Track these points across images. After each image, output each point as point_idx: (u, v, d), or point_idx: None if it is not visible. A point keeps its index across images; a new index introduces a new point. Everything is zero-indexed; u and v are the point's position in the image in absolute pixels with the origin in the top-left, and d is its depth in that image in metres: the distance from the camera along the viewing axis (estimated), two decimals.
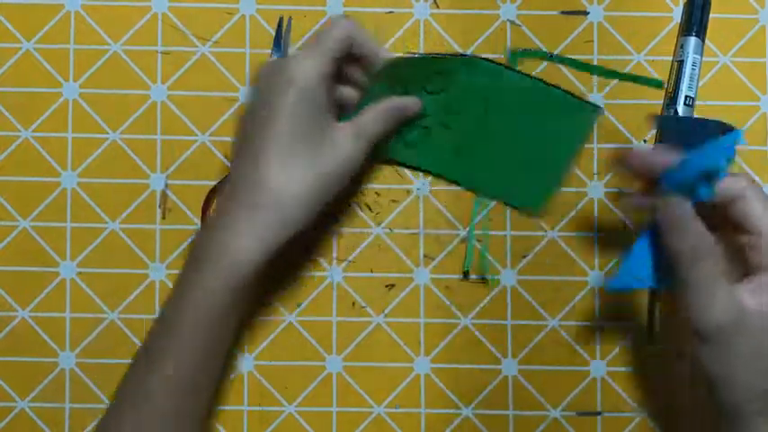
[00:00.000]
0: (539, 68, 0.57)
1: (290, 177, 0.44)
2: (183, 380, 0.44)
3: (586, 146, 0.57)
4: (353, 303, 0.56)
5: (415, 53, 0.56)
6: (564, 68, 0.57)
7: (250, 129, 0.46)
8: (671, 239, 0.44)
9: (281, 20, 0.57)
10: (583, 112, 0.55)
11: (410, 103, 0.53)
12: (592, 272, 0.56)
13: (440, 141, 0.55)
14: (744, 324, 0.43)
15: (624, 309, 0.56)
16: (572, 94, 0.55)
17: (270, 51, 0.57)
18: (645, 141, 0.57)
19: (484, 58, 0.54)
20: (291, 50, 0.57)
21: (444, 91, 0.54)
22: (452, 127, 0.55)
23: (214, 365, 0.46)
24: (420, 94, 0.54)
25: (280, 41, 0.56)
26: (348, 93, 0.53)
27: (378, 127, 0.51)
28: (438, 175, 0.56)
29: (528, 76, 0.55)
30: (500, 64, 0.54)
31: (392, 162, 0.56)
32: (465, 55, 0.56)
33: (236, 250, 0.44)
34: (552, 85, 0.54)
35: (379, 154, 0.55)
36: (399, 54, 0.55)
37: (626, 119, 0.57)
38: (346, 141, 0.48)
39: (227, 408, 0.56)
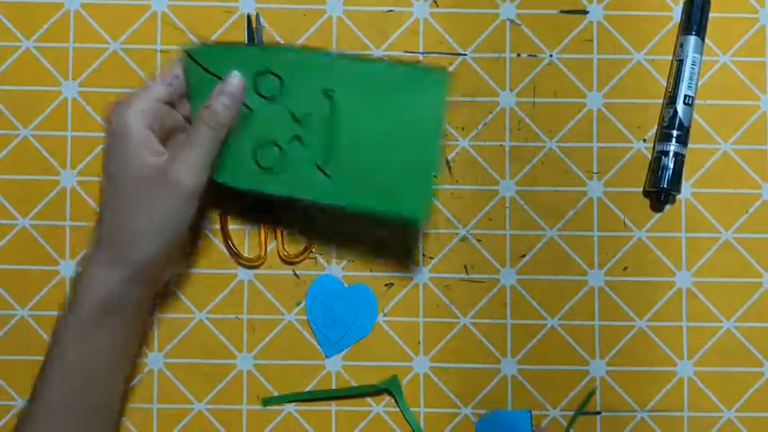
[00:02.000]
0: (536, 70, 0.57)
1: (126, 220, 0.48)
2: (68, 383, 0.48)
3: (586, 145, 0.57)
4: None
5: (230, 43, 0.49)
6: (564, 68, 0.57)
7: (105, 173, 0.49)
8: None
9: (249, 17, 0.57)
10: (431, 81, 0.48)
11: (231, 84, 0.49)
12: (591, 271, 0.56)
13: (298, 162, 0.50)
14: None
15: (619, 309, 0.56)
16: (412, 65, 0.49)
17: None
18: (644, 141, 0.57)
19: (315, 49, 0.48)
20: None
21: (281, 96, 0.49)
22: (306, 140, 0.49)
23: (93, 378, 0.50)
24: (252, 97, 0.49)
25: (253, 39, 0.56)
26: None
27: (202, 151, 0.48)
28: (309, 201, 0.50)
29: (364, 59, 0.49)
30: (332, 53, 0.48)
31: (256, 193, 0.51)
32: (287, 46, 0.49)
33: (94, 285, 0.48)
34: (389, 61, 0.49)
35: (236, 180, 0.50)
36: (210, 43, 0.50)
37: (626, 118, 0.57)
38: (180, 179, 0.47)
39: (226, 407, 0.56)
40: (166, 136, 0.50)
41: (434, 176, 0.49)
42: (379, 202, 0.49)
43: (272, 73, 0.49)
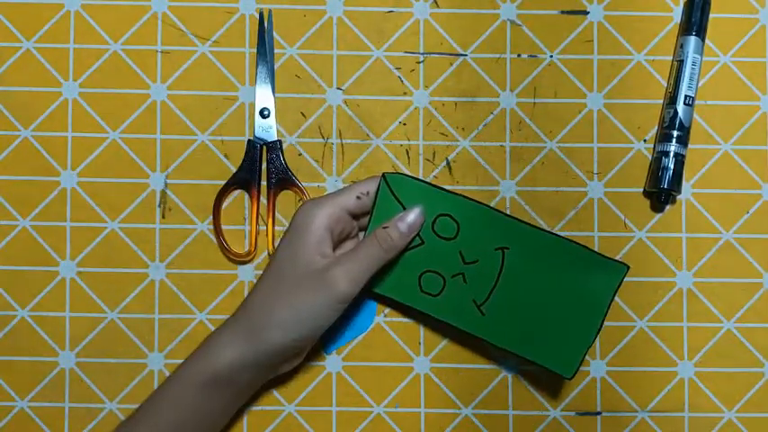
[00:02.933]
0: (536, 70, 0.57)
1: (275, 305, 0.50)
2: None
3: (586, 146, 0.57)
4: None
5: (424, 180, 0.53)
6: (564, 68, 0.57)
7: (274, 256, 0.52)
8: None
9: (261, 13, 0.57)
10: (609, 271, 0.52)
11: (412, 215, 0.52)
12: None
13: (457, 294, 0.53)
14: None
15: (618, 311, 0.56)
16: (597, 253, 0.52)
17: (256, 50, 0.57)
18: (645, 141, 0.57)
19: (499, 211, 0.52)
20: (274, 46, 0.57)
21: (455, 239, 0.53)
22: (469, 279, 0.53)
23: None
24: (428, 233, 0.53)
25: (264, 35, 0.56)
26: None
27: (366, 266, 0.50)
28: (460, 330, 0.54)
29: (547, 232, 0.53)
30: (516, 219, 0.52)
31: (412, 308, 0.54)
32: (474, 201, 0.53)
33: (215, 353, 0.50)
34: (573, 242, 0.52)
35: (395, 294, 0.54)
36: (406, 175, 0.53)
37: (626, 119, 0.57)
38: (338, 284, 0.49)
39: None
40: (339, 241, 0.53)
41: (588, 347, 0.53)
42: (529, 351, 0.53)
43: (452, 218, 0.52)
